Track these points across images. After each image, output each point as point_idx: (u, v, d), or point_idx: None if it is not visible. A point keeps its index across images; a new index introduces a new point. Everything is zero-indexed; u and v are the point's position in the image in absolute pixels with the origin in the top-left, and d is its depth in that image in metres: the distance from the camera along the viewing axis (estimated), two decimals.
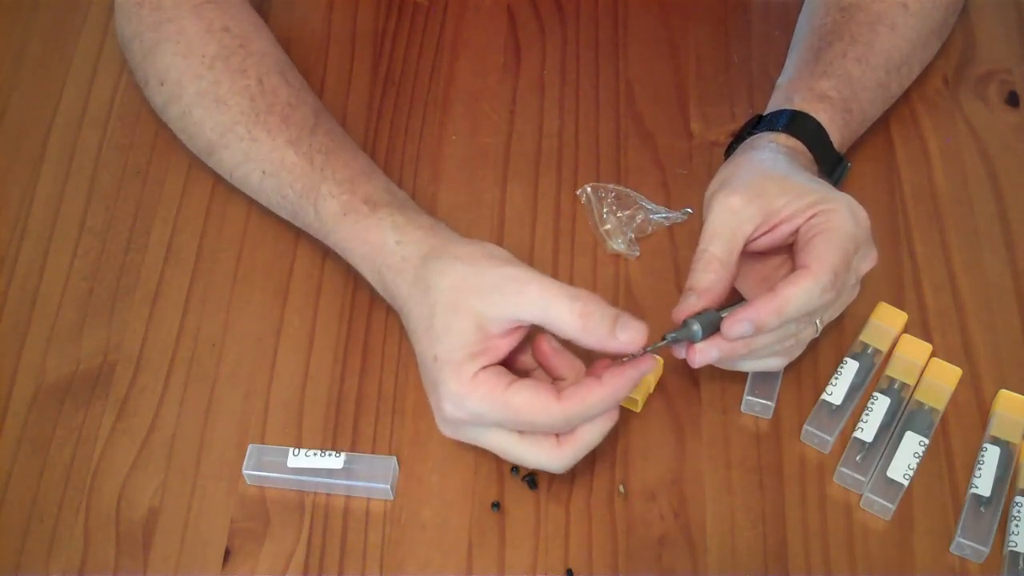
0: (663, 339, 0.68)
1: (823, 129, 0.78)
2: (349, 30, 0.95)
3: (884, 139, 0.89)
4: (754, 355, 0.71)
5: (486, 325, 0.67)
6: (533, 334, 0.70)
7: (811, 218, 0.70)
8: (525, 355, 0.71)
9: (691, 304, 0.69)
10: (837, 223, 0.69)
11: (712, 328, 0.69)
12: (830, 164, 0.79)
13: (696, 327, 0.68)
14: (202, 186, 0.87)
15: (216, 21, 0.83)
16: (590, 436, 0.68)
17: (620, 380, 0.66)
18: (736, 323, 0.68)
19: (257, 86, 0.80)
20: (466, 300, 0.67)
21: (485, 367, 0.67)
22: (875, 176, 0.87)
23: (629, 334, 0.66)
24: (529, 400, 0.66)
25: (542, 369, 0.71)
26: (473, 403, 0.66)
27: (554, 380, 0.71)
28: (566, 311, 0.65)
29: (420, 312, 0.69)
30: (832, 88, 0.80)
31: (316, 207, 0.77)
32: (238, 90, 0.80)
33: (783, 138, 0.78)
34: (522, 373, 0.71)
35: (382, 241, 0.73)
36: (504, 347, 0.68)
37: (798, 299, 0.68)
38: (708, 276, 0.70)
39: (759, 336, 0.69)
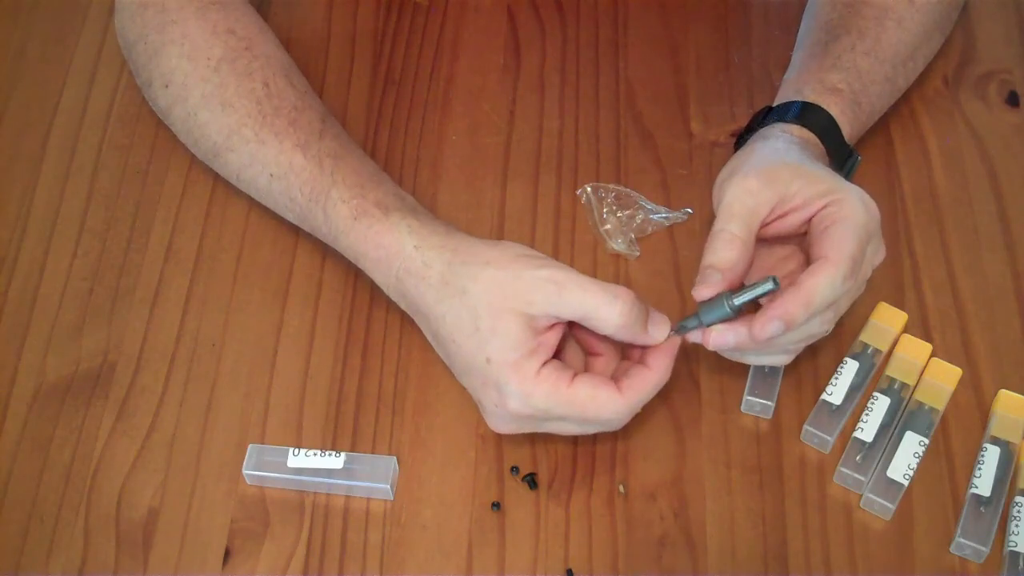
0: (696, 321, 0.70)
1: (834, 121, 0.78)
2: (349, 30, 0.95)
3: (884, 139, 0.89)
4: (768, 349, 0.72)
5: (533, 324, 0.68)
6: None
7: (823, 208, 0.70)
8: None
9: (715, 282, 0.69)
10: (849, 212, 0.70)
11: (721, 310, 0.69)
12: (841, 157, 0.79)
13: (728, 310, 0.68)
14: (202, 186, 0.87)
15: (221, 23, 0.83)
16: (649, 386, 0.70)
17: (665, 361, 0.70)
18: (768, 323, 0.68)
19: (263, 89, 0.80)
20: (508, 303, 0.68)
21: (545, 363, 0.68)
22: (875, 176, 0.87)
23: (660, 329, 0.70)
24: (592, 395, 0.68)
25: (575, 342, 0.73)
26: (539, 399, 0.68)
27: (590, 355, 0.73)
28: (606, 311, 0.67)
29: (459, 316, 0.70)
30: (842, 81, 0.80)
31: (326, 211, 0.76)
32: (244, 93, 0.80)
33: (795, 129, 0.78)
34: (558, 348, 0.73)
35: (399, 246, 0.73)
36: (553, 340, 0.69)
37: (823, 289, 0.68)
38: (731, 255, 0.69)
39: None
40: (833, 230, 0.69)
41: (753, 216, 0.70)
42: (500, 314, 0.68)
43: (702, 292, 0.69)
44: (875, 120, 0.84)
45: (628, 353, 0.73)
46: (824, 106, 0.78)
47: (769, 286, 0.68)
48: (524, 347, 0.68)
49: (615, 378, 0.70)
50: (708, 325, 0.70)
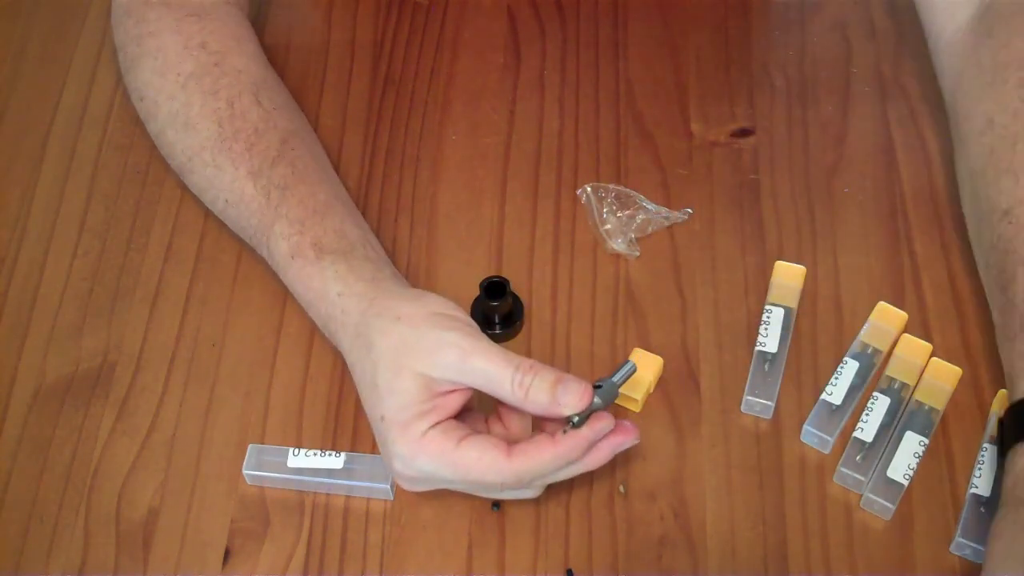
0: (570, 422, 0.66)
1: None
2: (349, 30, 0.95)
3: (884, 139, 0.89)
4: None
5: (431, 385, 0.66)
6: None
7: None
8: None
9: None
10: None
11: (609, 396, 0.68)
12: None
13: (598, 400, 0.66)
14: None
15: (195, 36, 0.81)
16: (556, 473, 0.67)
17: (573, 441, 0.65)
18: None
19: (227, 109, 0.79)
20: (409, 362, 0.66)
21: (435, 424, 0.66)
22: (875, 176, 0.87)
23: (570, 396, 0.65)
24: (477, 458, 0.65)
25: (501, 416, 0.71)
26: (422, 463, 0.66)
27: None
28: (508, 382, 0.65)
29: (363, 369, 0.69)
30: None
31: (268, 246, 0.76)
32: (208, 113, 0.79)
33: None
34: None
35: (325, 291, 0.72)
36: (453, 403, 0.67)
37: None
38: None
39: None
40: None
41: None
42: (399, 372, 0.66)
43: None
44: None
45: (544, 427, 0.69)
46: None
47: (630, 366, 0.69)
48: (417, 407, 0.66)
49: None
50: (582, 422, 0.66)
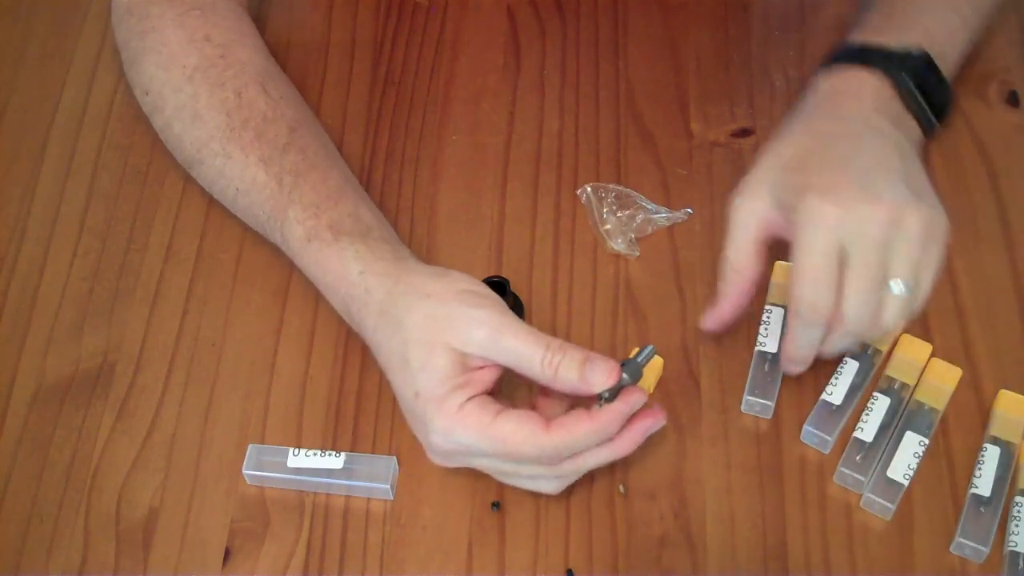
0: (601, 398, 0.67)
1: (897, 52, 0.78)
2: (349, 30, 0.95)
3: None
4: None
5: (465, 360, 0.67)
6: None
7: None
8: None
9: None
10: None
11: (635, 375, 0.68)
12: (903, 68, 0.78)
13: (626, 376, 0.67)
14: (202, 186, 0.87)
15: (199, 30, 0.82)
16: (586, 460, 0.68)
17: (609, 415, 0.66)
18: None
19: (235, 99, 0.79)
20: (441, 337, 0.67)
21: (471, 398, 0.67)
22: None
23: (598, 375, 0.66)
24: (515, 430, 0.66)
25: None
26: (460, 435, 0.66)
27: (540, 394, 0.71)
28: (538, 361, 0.66)
29: (391, 347, 0.69)
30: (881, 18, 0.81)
31: (283, 231, 0.76)
32: (215, 104, 0.79)
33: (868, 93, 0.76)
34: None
35: (344, 271, 0.73)
36: (487, 378, 0.68)
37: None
38: None
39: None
40: None
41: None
42: (432, 348, 0.67)
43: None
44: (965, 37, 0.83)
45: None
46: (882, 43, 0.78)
47: (650, 350, 0.69)
48: (452, 382, 0.66)
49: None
50: (611, 398, 0.67)
